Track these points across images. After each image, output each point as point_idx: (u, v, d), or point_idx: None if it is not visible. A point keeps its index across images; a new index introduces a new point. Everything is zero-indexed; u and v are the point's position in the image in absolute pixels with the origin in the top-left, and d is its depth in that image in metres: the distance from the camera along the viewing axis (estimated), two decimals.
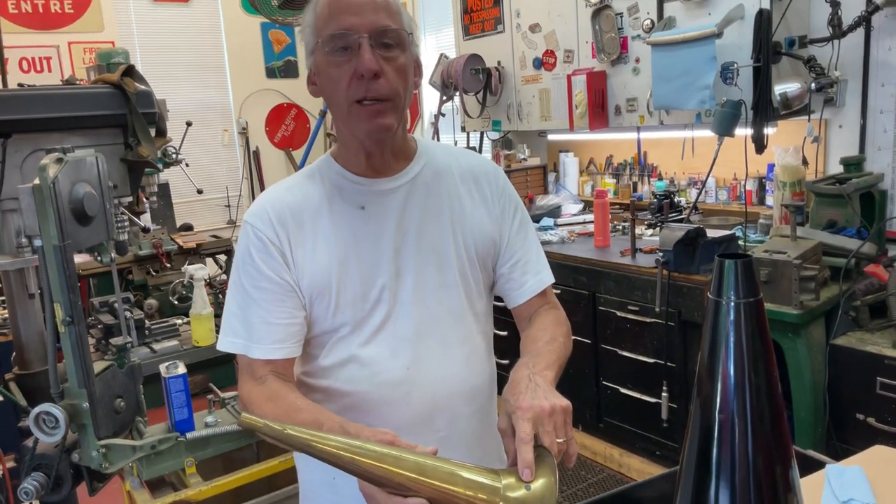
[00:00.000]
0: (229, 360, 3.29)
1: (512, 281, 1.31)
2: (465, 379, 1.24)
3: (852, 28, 2.63)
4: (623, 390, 3.07)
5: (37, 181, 1.56)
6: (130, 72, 2.23)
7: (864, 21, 2.63)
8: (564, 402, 1.00)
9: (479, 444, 1.26)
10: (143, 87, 2.21)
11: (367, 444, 0.89)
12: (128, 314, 2.40)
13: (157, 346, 2.55)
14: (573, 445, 0.99)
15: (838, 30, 2.64)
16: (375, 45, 1.08)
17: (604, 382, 3.16)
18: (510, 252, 1.30)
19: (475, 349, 1.27)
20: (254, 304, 1.15)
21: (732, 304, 0.83)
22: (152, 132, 2.24)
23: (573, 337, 3.17)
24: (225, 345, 1.18)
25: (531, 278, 1.31)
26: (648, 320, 2.87)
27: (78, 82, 2.83)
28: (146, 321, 2.67)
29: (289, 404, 1.10)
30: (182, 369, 1.93)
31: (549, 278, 1.34)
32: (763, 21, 2.63)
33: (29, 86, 2.33)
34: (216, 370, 2.55)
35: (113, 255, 1.87)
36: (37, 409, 1.59)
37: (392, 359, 1.18)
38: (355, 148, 1.18)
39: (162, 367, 1.95)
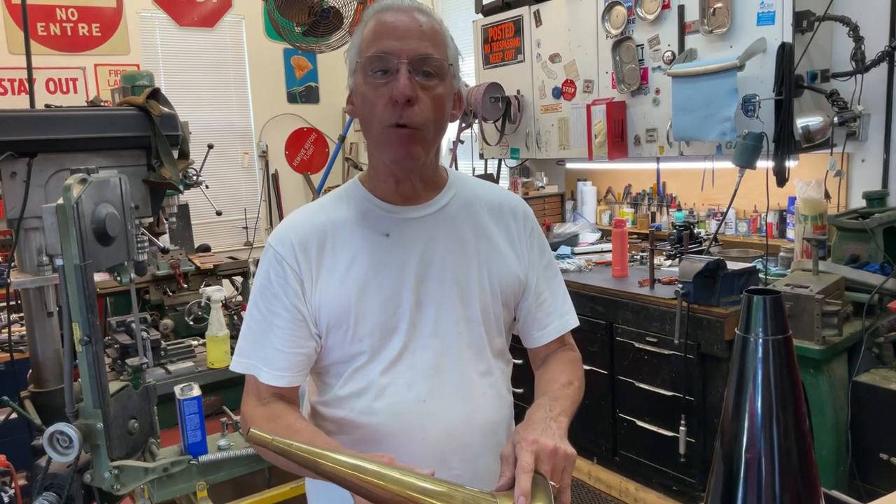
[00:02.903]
0: (243, 382, 3.28)
1: (536, 322, 1.29)
2: (482, 415, 1.21)
3: (875, 63, 2.62)
4: (640, 423, 3.02)
5: (60, 201, 1.57)
6: (156, 95, 2.26)
7: (888, 56, 2.62)
8: (571, 450, 1.01)
9: (494, 484, 1.23)
10: (167, 110, 2.24)
11: (369, 464, 0.90)
12: (144, 335, 2.40)
13: (172, 367, 2.55)
14: (567, 494, 0.99)
15: (861, 64, 2.63)
16: (415, 72, 1.08)
17: (620, 414, 3.12)
18: (536, 293, 1.28)
19: (493, 385, 1.24)
20: (266, 327, 1.15)
21: (761, 340, 0.81)
22: (175, 154, 2.27)
23: (590, 367, 3.13)
24: (235, 364, 1.19)
25: (555, 320, 1.30)
26: (667, 352, 2.84)
27: (103, 104, 2.88)
28: (162, 342, 2.67)
29: (288, 426, 1.10)
30: (196, 391, 1.92)
31: (573, 321, 1.33)
32: (785, 54, 2.63)
33: (55, 107, 2.37)
34: (230, 392, 2.54)
35: (132, 275, 1.88)
36: (51, 429, 1.59)
37: (408, 391, 1.16)
38: (385, 173, 1.17)
39: (177, 389, 1.94)
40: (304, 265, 1.14)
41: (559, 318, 1.30)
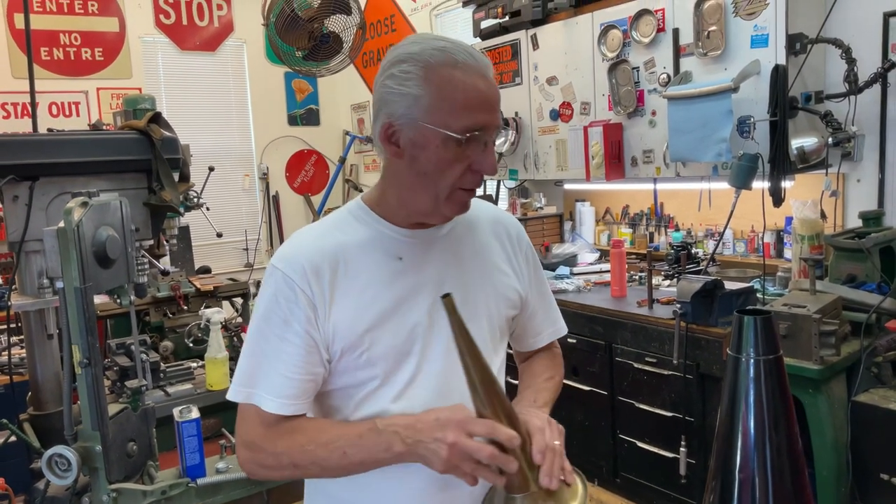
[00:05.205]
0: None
1: (530, 329, 1.36)
2: None
3: (869, 84, 2.65)
4: (640, 444, 3.01)
5: (61, 224, 1.59)
6: (157, 119, 2.29)
7: (881, 77, 2.65)
8: (560, 426, 1.11)
9: None
10: (168, 133, 2.26)
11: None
12: (144, 357, 2.40)
13: (171, 390, 2.55)
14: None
15: (854, 86, 2.66)
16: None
17: (620, 436, 3.11)
18: (533, 309, 1.34)
19: None
20: (274, 354, 1.12)
21: (752, 360, 0.82)
22: (176, 177, 2.29)
23: (590, 388, 3.12)
24: (234, 393, 1.14)
25: (548, 328, 1.38)
26: (666, 373, 2.84)
27: (105, 127, 2.91)
28: (161, 364, 2.67)
29: (319, 429, 1.11)
30: (195, 414, 1.92)
31: (564, 329, 1.41)
32: (779, 76, 2.66)
33: (57, 131, 2.39)
34: (229, 414, 2.54)
35: (132, 297, 1.89)
36: (50, 452, 1.59)
37: None
38: (412, 211, 1.16)
39: (175, 411, 1.94)
40: (316, 289, 1.11)
41: (551, 326, 1.39)
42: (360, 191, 6.24)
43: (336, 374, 1.15)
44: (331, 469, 1.09)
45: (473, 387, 1.02)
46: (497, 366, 1.27)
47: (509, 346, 1.40)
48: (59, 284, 1.61)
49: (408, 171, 1.11)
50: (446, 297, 1.02)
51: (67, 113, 5.34)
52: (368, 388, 1.15)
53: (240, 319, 3.47)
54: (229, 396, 1.15)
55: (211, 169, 3.57)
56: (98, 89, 5.43)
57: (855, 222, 2.84)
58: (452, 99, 1.06)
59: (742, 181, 2.71)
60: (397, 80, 1.08)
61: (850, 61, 2.66)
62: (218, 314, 2.60)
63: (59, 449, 1.59)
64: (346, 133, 6.36)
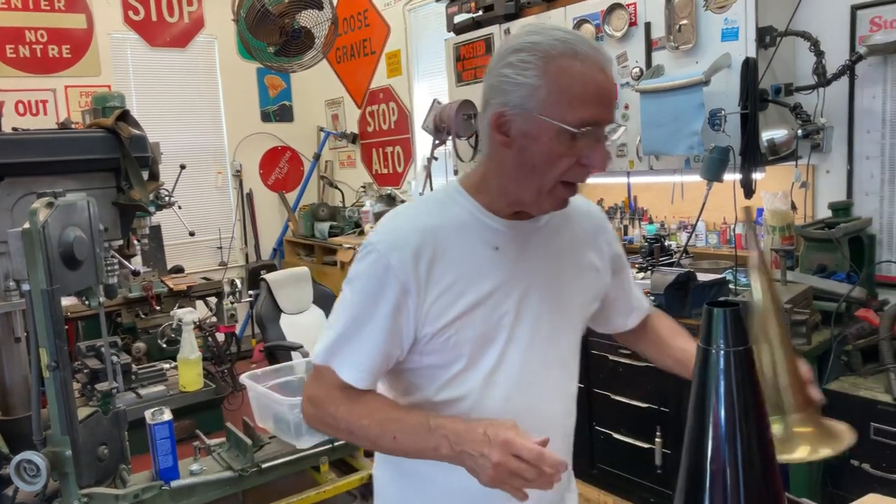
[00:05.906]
0: (216, 405, 3.24)
1: (623, 308, 1.43)
2: (564, 422, 1.32)
3: (837, 76, 2.68)
4: (616, 436, 3.03)
5: (27, 225, 1.56)
6: (125, 116, 2.25)
7: (849, 70, 2.68)
8: None
9: (569, 479, 1.39)
10: (136, 131, 2.23)
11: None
12: (114, 359, 2.37)
13: (143, 392, 2.52)
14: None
15: (823, 78, 2.69)
16: None
17: (597, 428, 3.13)
18: (612, 294, 1.38)
19: (573, 391, 1.33)
20: (360, 330, 1.14)
21: (722, 352, 0.83)
22: (145, 176, 2.25)
23: None
24: (319, 356, 1.17)
25: (635, 310, 1.45)
26: (641, 364, 2.86)
27: (73, 125, 2.86)
28: (133, 365, 2.64)
29: (376, 407, 1.13)
30: (168, 416, 1.90)
31: (647, 303, 1.48)
32: (749, 69, 2.68)
33: (23, 130, 2.35)
34: (203, 415, 2.52)
35: (101, 299, 1.86)
36: (18, 458, 1.56)
37: (506, 402, 1.18)
38: (512, 201, 1.17)
39: (147, 414, 1.92)
40: (412, 274, 1.12)
41: (638, 306, 1.46)
42: (336, 187, 6.20)
43: (423, 354, 1.17)
44: (380, 447, 1.14)
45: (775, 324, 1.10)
46: (574, 363, 1.34)
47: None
48: (26, 287, 1.58)
49: (514, 162, 1.10)
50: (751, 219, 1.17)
51: (35, 111, 5.24)
52: (454, 370, 1.17)
53: (214, 319, 3.43)
54: (313, 358, 1.20)
55: (182, 167, 3.54)
56: (66, 87, 5.33)
57: (825, 213, 2.87)
58: (570, 91, 1.05)
59: (714, 174, 2.73)
60: (515, 69, 1.07)
61: (819, 54, 2.69)
62: (190, 314, 2.58)
63: (27, 454, 1.56)
64: (321, 129, 6.32)
